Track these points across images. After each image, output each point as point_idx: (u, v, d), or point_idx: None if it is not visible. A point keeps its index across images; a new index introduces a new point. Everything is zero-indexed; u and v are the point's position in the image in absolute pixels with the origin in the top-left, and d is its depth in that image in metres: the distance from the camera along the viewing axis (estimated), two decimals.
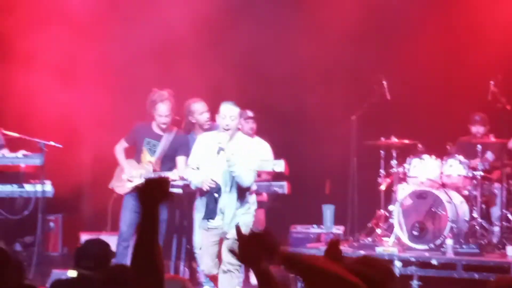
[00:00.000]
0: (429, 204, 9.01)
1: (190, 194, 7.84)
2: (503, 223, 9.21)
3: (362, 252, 8.58)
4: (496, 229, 9.25)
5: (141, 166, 8.30)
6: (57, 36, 9.42)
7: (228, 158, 6.98)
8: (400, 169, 9.41)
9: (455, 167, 9.27)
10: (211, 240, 7.16)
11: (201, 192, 7.21)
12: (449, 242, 8.65)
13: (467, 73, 9.98)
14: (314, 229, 9.43)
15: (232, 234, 6.98)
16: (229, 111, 7.09)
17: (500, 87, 9.40)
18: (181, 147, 8.21)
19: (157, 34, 9.52)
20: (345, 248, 8.55)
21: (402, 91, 10.00)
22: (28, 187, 8.20)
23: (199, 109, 8.43)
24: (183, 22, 9.50)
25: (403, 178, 9.41)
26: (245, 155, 7.06)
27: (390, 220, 9.26)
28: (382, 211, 9.49)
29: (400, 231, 9.01)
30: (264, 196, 8.77)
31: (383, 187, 9.55)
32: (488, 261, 8.46)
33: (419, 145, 9.45)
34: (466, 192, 9.30)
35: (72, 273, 4.96)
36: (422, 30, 10.31)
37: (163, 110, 8.18)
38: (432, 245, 8.87)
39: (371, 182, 9.65)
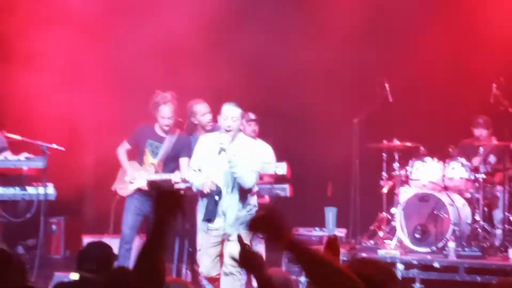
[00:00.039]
0: (431, 206, 9.00)
1: (192, 197, 7.84)
2: (506, 226, 9.19)
3: (364, 255, 8.57)
4: (499, 232, 9.24)
5: (144, 168, 8.30)
6: (60, 38, 9.43)
7: (230, 159, 6.97)
8: (402, 172, 9.41)
9: (457, 170, 9.26)
10: (211, 241, 7.15)
11: (202, 194, 7.21)
12: (451, 245, 8.64)
13: (470, 76, 9.98)
14: (316, 232, 9.43)
15: (235, 236, 6.99)
16: (230, 112, 7.08)
17: (502, 90, 9.39)
18: (183, 148, 8.21)
19: (161, 36, 9.53)
20: (345, 251, 8.54)
21: (404, 93, 10.00)
22: (30, 190, 8.20)
23: (201, 110, 8.44)
24: (186, 24, 9.51)
25: (405, 181, 9.41)
26: (247, 156, 7.05)
27: (392, 222, 9.26)
28: (384, 214, 9.49)
29: (402, 234, 9.01)
30: (266, 199, 8.76)
31: (385, 190, 9.54)
32: (490, 264, 8.46)
33: (421, 148, 9.45)
34: (468, 195, 9.29)
35: (74, 276, 4.96)
36: (425, 33, 10.31)
37: (166, 112, 8.18)
38: (434, 248, 8.86)
39: (373, 184, 9.64)
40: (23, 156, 8.25)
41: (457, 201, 9.07)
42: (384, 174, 9.59)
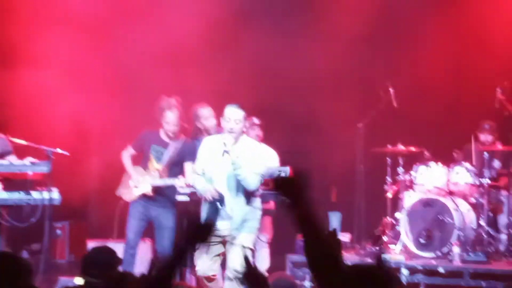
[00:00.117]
0: (436, 211, 9.00)
1: (196, 202, 7.84)
2: (510, 230, 9.18)
3: (368, 260, 8.56)
4: (503, 237, 9.23)
5: (148, 173, 8.31)
6: (66, 42, 9.44)
7: (233, 161, 6.96)
8: (407, 177, 9.40)
9: (462, 175, 9.26)
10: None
11: (205, 198, 7.20)
12: (456, 250, 8.63)
13: (474, 81, 9.99)
14: None
15: (239, 240, 6.99)
16: (233, 114, 7.06)
17: (507, 94, 9.40)
18: (188, 154, 8.20)
19: (167, 40, 9.53)
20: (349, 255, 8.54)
21: (409, 98, 10.00)
22: (35, 195, 8.20)
23: (205, 114, 8.44)
24: (193, 28, 9.51)
25: (410, 186, 9.41)
26: (250, 158, 7.04)
27: (397, 227, 9.25)
28: (388, 219, 9.48)
29: (407, 239, 9.00)
30: (271, 204, 8.76)
31: (389, 195, 9.54)
32: (495, 269, 8.45)
33: (426, 153, 9.45)
34: (473, 200, 9.28)
35: (79, 281, 4.96)
36: (429, 38, 10.32)
37: (171, 118, 8.19)
38: (439, 253, 8.86)
39: (378, 189, 9.64)
40: (28, 160, 8.25)
41: (462, 206, 9.06)
42: (388, 178, 9.59)
